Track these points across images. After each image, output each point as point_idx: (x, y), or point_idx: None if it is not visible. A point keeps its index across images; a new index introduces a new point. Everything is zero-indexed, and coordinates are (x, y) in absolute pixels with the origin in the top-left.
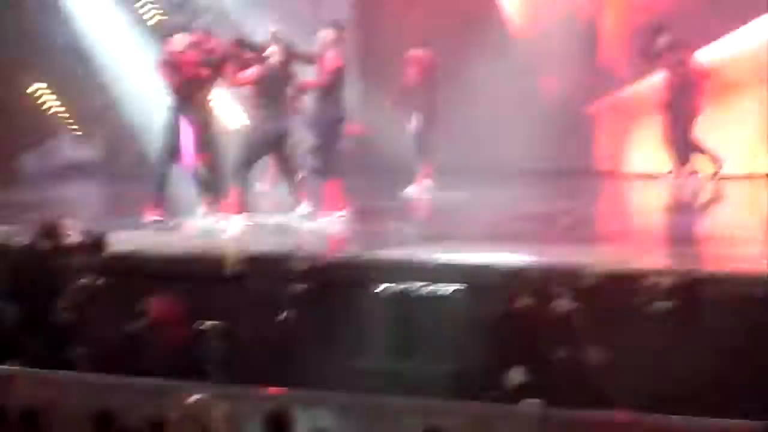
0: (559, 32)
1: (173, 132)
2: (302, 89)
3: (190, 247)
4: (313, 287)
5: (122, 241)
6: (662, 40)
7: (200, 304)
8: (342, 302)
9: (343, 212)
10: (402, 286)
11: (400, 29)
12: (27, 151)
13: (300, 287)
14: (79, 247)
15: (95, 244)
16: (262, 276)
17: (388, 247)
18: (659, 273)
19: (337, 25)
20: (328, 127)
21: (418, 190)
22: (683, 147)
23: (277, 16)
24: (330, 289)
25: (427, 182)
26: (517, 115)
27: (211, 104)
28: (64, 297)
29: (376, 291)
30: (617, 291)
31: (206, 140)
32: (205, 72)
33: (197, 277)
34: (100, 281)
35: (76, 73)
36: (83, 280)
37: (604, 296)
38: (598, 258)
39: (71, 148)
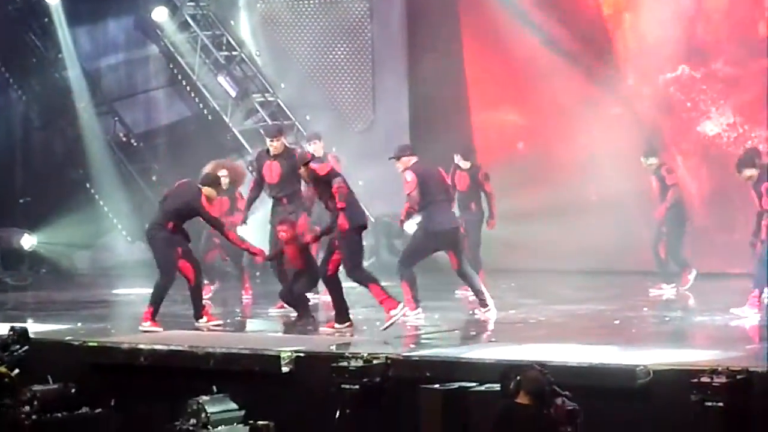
0: None
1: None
2: None
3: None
4: (367, 386)
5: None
6: None
7: (253, 403)
8: (395, 401)
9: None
10: (455, 386)
11: None
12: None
13: (353, 386)
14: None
15: (19, 337)
16: (316, 374)
17: (439, 346)
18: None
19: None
20: None
21: None
22: None
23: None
24: (384, 387)
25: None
26: None
27: None
28: None
29: (428, 390)
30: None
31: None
32: None
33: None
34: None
35: None
36: None
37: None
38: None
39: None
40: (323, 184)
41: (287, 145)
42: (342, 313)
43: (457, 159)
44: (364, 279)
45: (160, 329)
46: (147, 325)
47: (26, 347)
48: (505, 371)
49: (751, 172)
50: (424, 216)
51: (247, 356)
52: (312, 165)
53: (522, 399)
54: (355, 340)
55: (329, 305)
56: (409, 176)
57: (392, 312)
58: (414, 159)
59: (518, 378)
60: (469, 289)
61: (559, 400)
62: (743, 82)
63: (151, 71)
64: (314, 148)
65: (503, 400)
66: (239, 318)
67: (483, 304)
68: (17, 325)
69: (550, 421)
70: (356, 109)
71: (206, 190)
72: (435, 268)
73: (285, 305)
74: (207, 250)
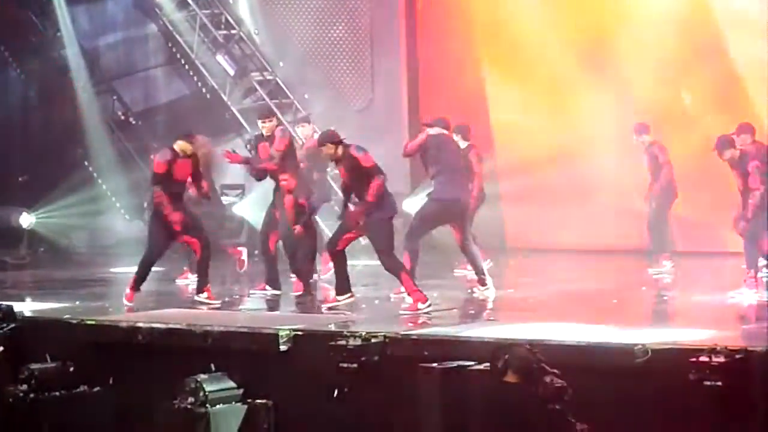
0: None
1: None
2: None
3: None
4: (365, 364)
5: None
6: None
7: (251, 381)
8: (393, 379)
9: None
10: (454, 364)
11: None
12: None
13: (351, 365)
14: None
15: (5, 315)
16: (314, 353)
17: (437, 325)
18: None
19: None
20: None
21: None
22: None
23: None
24: (382, 366)
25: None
26: None
27: None
28: None
29: (426, 368)
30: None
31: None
32: None
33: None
34: None
35: None
36: None
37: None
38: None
39: (123, 226)
40: (362, 175)
41: (283, 124)
42: (343, 285)
43: (456, 139)
44: (396, 268)
45: (131, 303)
46: (127, 293)
47: (12, 325)
48: (494, 350)
49: (731, 152)
50: (436, 184)
51: (245, 335)
52: (355, 153)
53: (511, 377)
54: (353, 318)
55: (323, 288)
56: (422, 135)
57: (420, 305)
58: (441, 131)
59: (506, 357)
60: (470, 265)
61: (547, 378)
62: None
63: (149, 50)
64: (303, 131)
65: (492, 379)
66: (237, 296)
67: (482, 282)
68: (3, 303)
69: (538, 398)
70: (355, 88)
71: (179, 144)
72: (434, 246)
73: (266, 287)
74: None
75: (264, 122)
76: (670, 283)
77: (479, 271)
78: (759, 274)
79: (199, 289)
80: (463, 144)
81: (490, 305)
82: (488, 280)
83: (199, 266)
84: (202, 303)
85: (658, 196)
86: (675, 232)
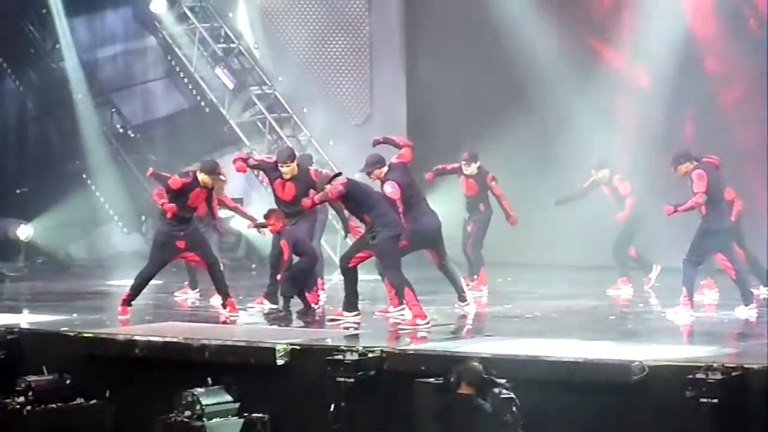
0: None
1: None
2: None
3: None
4: (362, 379)
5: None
6: None
7: (247, 395)
8: (390, 394)
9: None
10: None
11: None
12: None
13: (348, 379)
14: None
15: None
16: (311, 367)
17: (434, 340)
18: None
19: None
20: None
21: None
22: None
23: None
24: (378, 380)
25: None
26: None
27: None
28: None
29: (422, 383)
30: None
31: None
32: None
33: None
34: None
35: None
36: None
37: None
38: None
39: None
40: (353, 201)
41: (300, 166)
42: (352, 301)
43: (464, 165)
44: (401, 283)
45: (125, 317)
46: (119, 308)
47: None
48: (447, 365)
49: (686, 167)
50: (410, 218)
51: (243, 348)
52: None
53: (464, 389)
54: (350, 332)
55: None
56: (390, 188)
57: (419, 321)
58: (386, 168)
59: (459, 370)
60: (450, 285)
61: (496, 390)
62: (734, 78)
63: (149, 63)
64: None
65: (445, 393)
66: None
67: (462, 298)
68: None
69: (491, 410)
70: (354, 102)
71: (203, 176)
72: (429, 261)
73: (264, 301)
74: None
75: (283, 166)
76: (667, 300)
77: (459, 289)
78: (757, 292)
79: (223, 305)
80: (471, 170)
81: (486, 321)
82: (468, 296)
83: (215, 284)
84: (230, 316)
85: (623, 223)
86: (672, 247)
